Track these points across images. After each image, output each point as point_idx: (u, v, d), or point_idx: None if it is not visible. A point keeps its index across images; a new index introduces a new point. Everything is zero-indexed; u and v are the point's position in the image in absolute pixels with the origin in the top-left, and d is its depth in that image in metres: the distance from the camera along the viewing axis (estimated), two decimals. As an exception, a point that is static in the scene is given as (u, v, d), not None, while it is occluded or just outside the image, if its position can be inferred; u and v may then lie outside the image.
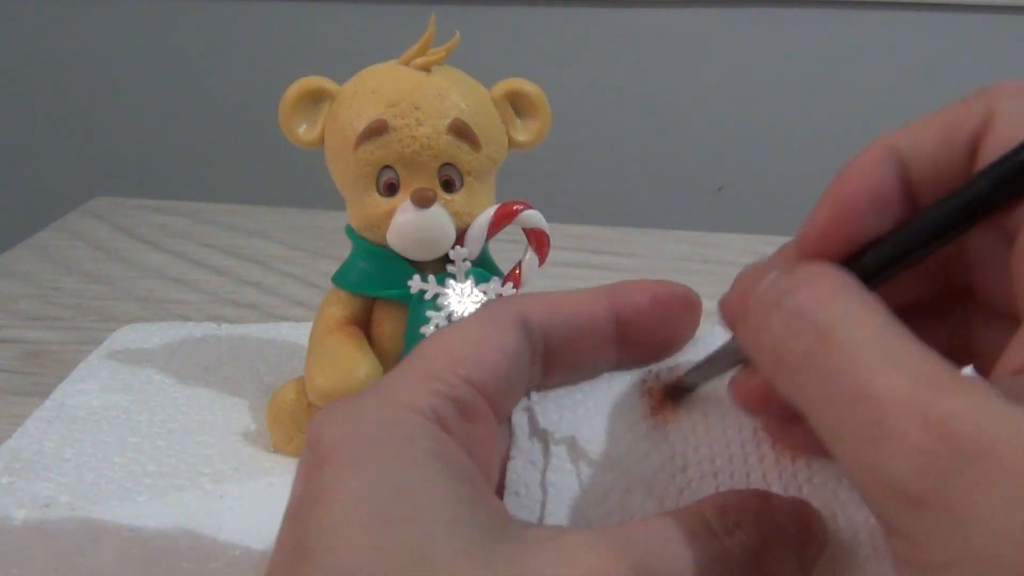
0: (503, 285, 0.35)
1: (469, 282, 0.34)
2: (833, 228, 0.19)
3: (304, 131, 0.34)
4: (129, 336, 0.43)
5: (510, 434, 0.21)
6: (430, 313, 0.33)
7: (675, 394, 0.22)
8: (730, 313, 0.20)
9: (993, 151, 0.17)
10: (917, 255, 0.18)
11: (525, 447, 0.20)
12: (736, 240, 0.71)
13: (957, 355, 0.20)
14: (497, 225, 0.34)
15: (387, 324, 0.34)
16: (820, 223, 0.19)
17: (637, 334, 0.21)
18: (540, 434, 0.21)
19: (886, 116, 1.07)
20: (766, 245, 0.70)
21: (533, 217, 0.35)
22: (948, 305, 0.20)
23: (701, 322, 0.22)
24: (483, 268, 0.35)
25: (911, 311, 0.20)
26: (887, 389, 0.15)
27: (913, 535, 0.15)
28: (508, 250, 0.36)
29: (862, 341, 0.16)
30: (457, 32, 0.34)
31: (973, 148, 0.18)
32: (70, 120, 1.18)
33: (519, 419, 0.21)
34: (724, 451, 0.21)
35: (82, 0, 1.12)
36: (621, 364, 0.22)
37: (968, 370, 0.20)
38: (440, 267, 0.34)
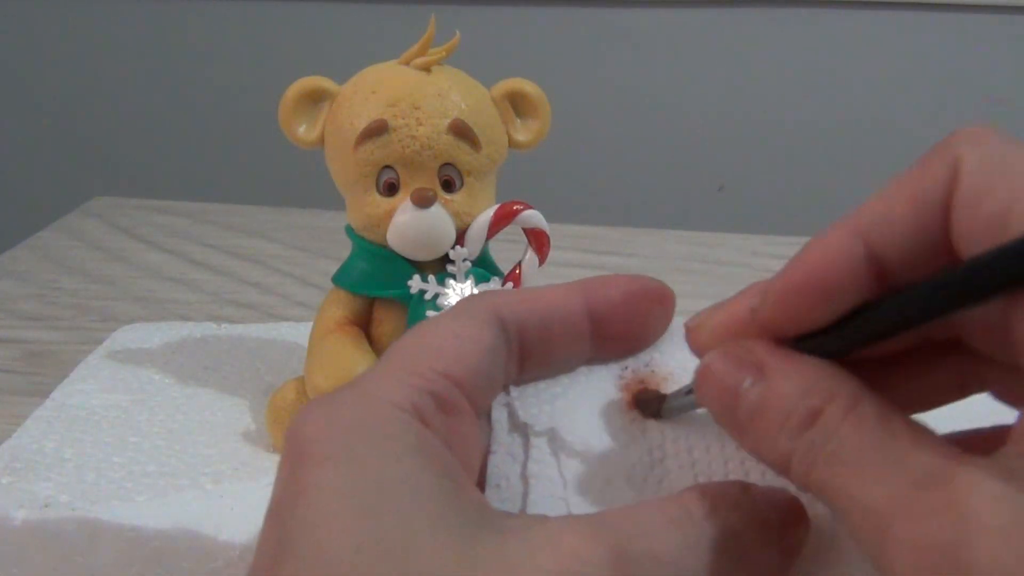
0: (503, 285, 0.35)
1: (469, 282, 0.34)
2: (792, 311, 0.18)
3: (304, 131, 0.34)
4: (129, 336, 0.43)
5: (490, 429, 0.21)
6: (430, 313, 0.33)
7: (651, 412, 0.22)
8: (704, 379, 0.19)
9: (962, 211, 0.17)
10: (893, 335, 0.18)
11: (505, 440, 0.21)
12: (736, 240, 0.71)
13: (968, 384, 0.20)
14: (497, 225, 0.34)
15: (387, 324, 0.34)
16: (776, 305, 0.18)
17: (611, 328, 0.21)
18: (520, 427, 0.21)
19: (886, 116, 1.07)
20: (766, 245, 0.70)
21: (533, 217, 0.34)
22: (943, 350, 0.20)
23: (676, 316, 0.22)
24: (483, 268, 0.35)
25: (903, 356, 0.20)
26: (883, 498, 0.16)
27: None
28: (508, 250, 0.36)
29: (854, 451, 0.17)
30: (457, 32, 0.34)
31: (945, 211, 0.17)
32: (70, 120, 1.18)
33: (499, 413, 0.21)
34: (701, 443, 0.21)
35: (82, 0, 1.12)
36: (596, 357, 0.22)
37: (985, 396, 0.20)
38: (440, 267, 0.34)
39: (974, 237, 0.16)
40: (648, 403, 0.22)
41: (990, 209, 0.16)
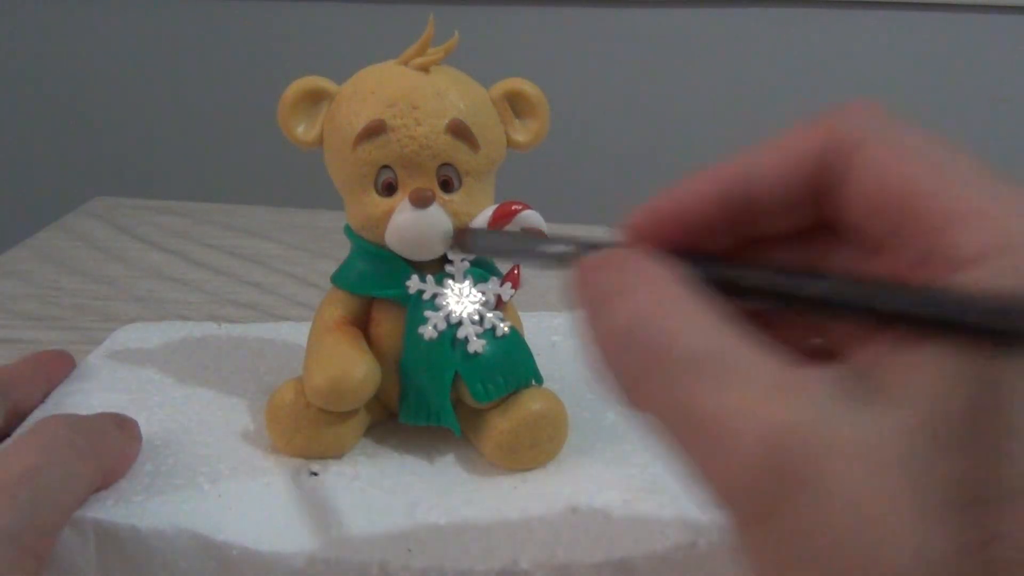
0: (501, 285, 0.35)
1: (467, 282, 0.34)
2: (656, 230, 0.20)
3: (303, 131, 0.34)
4: (129, 335, 0.43)
5: None
6: (428, 313, 0.33)
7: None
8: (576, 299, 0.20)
9: (858, 186, 0.18)
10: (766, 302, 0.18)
11: None
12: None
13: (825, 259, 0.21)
14: (495, 225, 0.34)
15: (385, 324, 0.34)
16: (648, 216, 0.20)
17: None
18: None
19: (886, 116, 1.07)
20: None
21: (532, 217, 0.34)
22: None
23: None
24: (481, 268, 0.35)
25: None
26: (722, 406, 0.16)
27: (757, 544, 0.16)
28: (507, 250, 0.36)
29: (696, 354, 0.17)
30: (456, 32, 0.34)
31: (818, 175, 0.18)
32: (70, 120, 1.18)
33: None
34: None
35: (82, 0, 1.12)
36: None
37: None
38: (438, 267, 0.34)
39: (865, 198, 0.18)
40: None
41: (885, 174, 0.17)
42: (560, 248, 0.21)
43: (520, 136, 0.35)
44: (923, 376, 0.15)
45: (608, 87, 1.08)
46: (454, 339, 0.33)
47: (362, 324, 0.35)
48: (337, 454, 0.34)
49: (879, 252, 0.18)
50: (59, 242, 0.69)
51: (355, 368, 0.33)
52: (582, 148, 1.08)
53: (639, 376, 0.17)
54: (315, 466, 0.34)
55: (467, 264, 0.34)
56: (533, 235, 0.21)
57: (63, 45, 1.14)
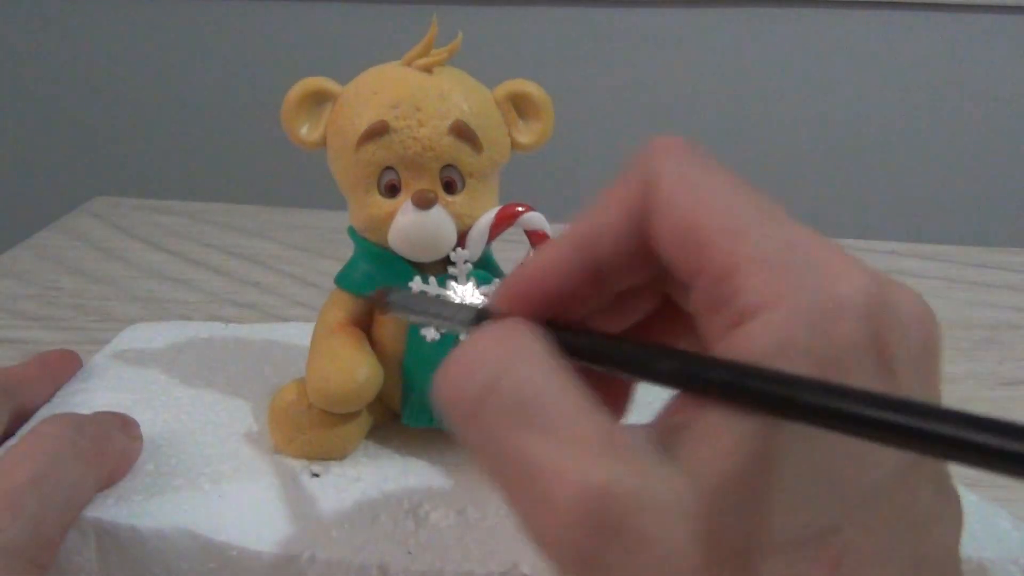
0: (504, 286, 0.34)
1: (470, 284, 0.34)
2: (519, 310, 0.20)
3: (306, 132, 0.34)
4: (135, 335, 0.43)
5: None
6: (431, 314, 0.33)
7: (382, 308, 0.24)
8: None
9: (657, 218, 0.18)
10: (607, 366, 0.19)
11: None
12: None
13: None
14: (499, 227, 0.34)
15: (389, 326, 0.34)
16: (508, 303, 0.20)
17: None
18: None
19: (886, 116, 1.07)
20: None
21: (535, 219, 0.34)
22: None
23: None
24: (485, 270, 0.35)
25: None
26: (544, 456, 0.16)
27: None
28: (510, 251, 0.36)
29: (524, 399, 0.17)
30: (460, 33, 0.34)
31: (647, 219, 0.19)
32: (70, 120, 1.18)
33: None
34: None
35: (82, 0, 1.12)
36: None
37: None
38: (442, 269, 0.34)
39: (666, 241, 0.18)
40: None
41: (679, 217, 0.18)
42: (463, 315, 0.22)
43: (524, 137, 0.35)
44: (714, 438, 0.16)
45: (612, 88, 1.08)
46: (457, 341, 0.33)
47: (365, 326, 0.35)
48: (339, 456, 0.34)
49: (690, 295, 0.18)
50: (59, 242, 0.69)
51: (358, 370, 0.33)
52: (586, 149, 1.08)
53: (471, 412, 0.18)
54: (317, 467, 0.33)
55: (470, 266, 0.34)
56: (443, 302, 0.24)
57: (63, 45, 1.14)
